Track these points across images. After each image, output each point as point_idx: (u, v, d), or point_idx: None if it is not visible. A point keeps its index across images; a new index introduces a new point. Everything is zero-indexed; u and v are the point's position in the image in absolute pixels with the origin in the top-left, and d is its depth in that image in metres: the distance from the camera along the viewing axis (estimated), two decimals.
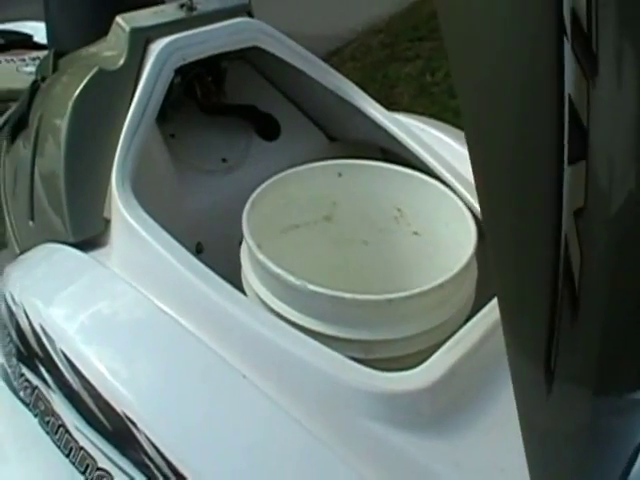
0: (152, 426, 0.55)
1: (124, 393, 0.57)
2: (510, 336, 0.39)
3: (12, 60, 1.51)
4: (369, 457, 0.53)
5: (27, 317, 0.67)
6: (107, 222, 0.74)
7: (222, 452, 0.54)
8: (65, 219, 0.76)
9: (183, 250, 0.65)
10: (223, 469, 0.53)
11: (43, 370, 0.63)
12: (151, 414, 0.56)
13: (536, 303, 0.36)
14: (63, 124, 0.79)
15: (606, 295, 0.35)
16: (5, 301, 0.74)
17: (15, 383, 0.68)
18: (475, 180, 0.36)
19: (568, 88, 0.31)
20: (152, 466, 0.54)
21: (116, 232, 0.71)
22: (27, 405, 0.65)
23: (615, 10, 0.29)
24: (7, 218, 1.02)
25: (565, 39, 0.30)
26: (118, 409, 0.57)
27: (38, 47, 1.65)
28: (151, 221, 0.67)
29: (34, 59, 1.53)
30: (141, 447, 0.55)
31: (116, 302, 0.65)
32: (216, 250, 0.81)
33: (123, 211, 0.69)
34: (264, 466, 0.52)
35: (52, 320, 0.65)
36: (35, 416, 0.64)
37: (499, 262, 0.37)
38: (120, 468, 0.56)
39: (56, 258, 0.74)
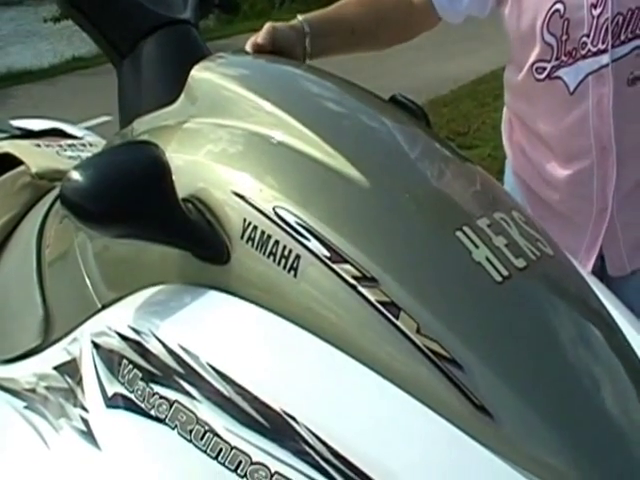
0: (312, 417, 0.64)
1: (282, 393, 0.66)
2: None
3: (50, 145, 1.61)
4: None
5: (159, 340, 0.76)
6: None
7: (384, 437, 0.63)
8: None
9: None
10: (385, 450, 0.62)
11: (185, 384, 0.71)
12: (311, 407, 0.65)
13: None
14: None
15: None
16: (118, 335, 0.82)
17: (143, 404, 0.75)
18: None
19: None
20: (313, 452, 0.63)
21: None
22: (161, 421, 0.73)
23: None
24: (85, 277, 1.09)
25: None
26: (276, 407, 0.65)
27: (67, 136, 1.77)
28: None
29: (70, 145, 1.64)
30: (301, 437, 0.63)
31: (241, 319, 0.75)
32: None
33: None
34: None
35: (191, 337, 0.74)
36: (172, 428, 0.71)
37: None
38: (277, 458, 0.64)
39: (161, 291, 0.84)
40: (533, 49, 1.17)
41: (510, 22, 1.20)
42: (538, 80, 1.18)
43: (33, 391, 1.05)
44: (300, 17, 1.16)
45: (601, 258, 1.24)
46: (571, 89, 1.16)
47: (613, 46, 1.12)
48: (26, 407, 1.05)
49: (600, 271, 1.23)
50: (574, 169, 1.21)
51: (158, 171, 0.81)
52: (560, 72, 1.16)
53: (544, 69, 1.17)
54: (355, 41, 1.23)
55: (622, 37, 1.11)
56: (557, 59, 1.15)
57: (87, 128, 2.84)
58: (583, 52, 1.13)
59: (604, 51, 1.12)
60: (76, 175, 0.79)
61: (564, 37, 1.13)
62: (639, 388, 0.80)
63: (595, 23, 1.11)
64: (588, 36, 1.12)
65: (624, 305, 0.97)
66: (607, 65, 1.12)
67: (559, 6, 1.12)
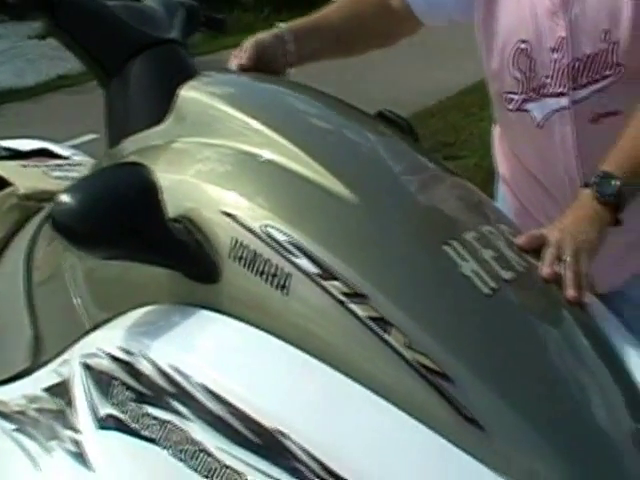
0: (305, 434, 0.64)
1: (274, 411, 0.66)
2: None
3: (37, 165, 1.61)
4: None
5: (150, 361, 0.76)
6: None
7: (373, 451, 0.63)
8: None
9: None
10: (377, 466, 0.62)
11: (177, 404, 0.71)
12: (303, 424, 0.65)
13: None
14: None
15: None
16: (109, 356, 0.83)
17: (135, 425, 0.75)
18: None
19: None
20: (305, 469, 0.63)
21: None
22: (153, 441, 0.73)
23: None
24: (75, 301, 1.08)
25: None
26: (268, 425, 0.66)
27: (54, 156, 1.77)
28: None
29: (57, 165, 1.64)
30: (293, 454, 0.64)
31: (231, 338, 0.76)
32: None
33: None
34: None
35: (183, 358, 0.74)
36: (164, 448, 0.71)
37: None
38: (271, 477, 0.64)
39: (151, 311, 0.84)
40: (503, 79, 1.18)
41: (481, 48, 1.21)
42: (509, 110, 1.19)
43: (23, 413, 1.05)
44: (282, 25, 1.17)
45: None
46: (538, 123, 1.17)
47: (572, 90, 1.13)
48: (16, 430, 1.05)
49: None
50: (552, 196, 1.22)
51: (147, 192, 0.82)
52: (528, 106, 1.16)
53: (513, 100, 1.18)
54: (336, 47, 1.24)
55: (580, 81, 1.12)
56: (524, 93, 1.16)
57: (74, 146, 2.84)
58: (546, 91, 1.14)
59: (564, 94, 1.13)
60: (66, 197, 0.79)
61: (530, 74, 1.14)
62: (629, 398, 0.80)
63: (555, 67, 1.12)
64: (549, 77, 1.13)
65: (611, 314, 0.98)
66: (567, 107, 1.14)
67: (525, 45, 1.13)
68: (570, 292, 0.85)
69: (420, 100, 4.94)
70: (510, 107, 1.19)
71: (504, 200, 1.35)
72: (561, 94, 1.14)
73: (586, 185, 0.98)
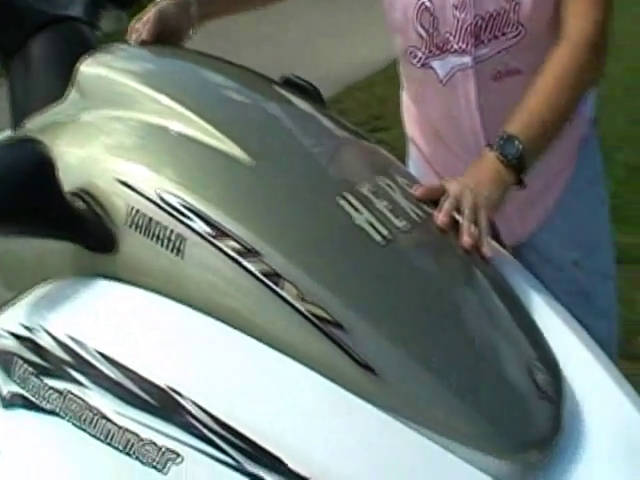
0: (197, 390, 0.65)
1: (167, 370, 0.67)
2: None
3: None
4: None
5: (48, 333, 0.75)
6: None
7: (261, 399, 0.64)
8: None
9: None
10: (272, 415, 0.63)
11: (75, 373, 0.71)
12: (195, 380, 0.66)
13: None
14: None
15: None
16: (12, 335, 0.82)
17: (37, 400, 0.75)
18: None
19: None
20: (198, 424, 0.64)
21: None
22: (54, 413, 0.72)
23: None
24: None
25: None
26: (162, 384, 0.66)
27: None
28: None
29: None
30: (187, 411, 0.65)
31: (125, 304, 0.77)
32: None
33: None
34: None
35: (79, 327, 0.74)
36: (65, 419, 0.71)
37: None
38: (164, 434, 0.65)
39: (53, 286, 0.84)
40: (407, 34, 1.19)
41: (384, 3, 1.22)
42: (414, 65, 1.21)
43: None
44: None
45: None
46: (441, 80, 1.19)
47: (475, 47, 1.15)
48: None
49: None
50: (458, 154, 1.24)
51: (42, 167, 0.81)
52: (432, 62, 1.18)
53: (417, 56, 1.19)
54: (239, 2, 1.26)
55: (482, 38, 1.14)
56: (427, 49, 1.18)
57: None
58: (449, 47, 1.16)
59: (467, 52, 1.15)
60: None
61: (434, 32, 1.16)
62: (530, 340, 0.83)
63: (458, 24, 1.14)
64: (452, 35, 1.15)
65: (512, 258, 1.01)
66: (469, 64, 1.16)
67: (428, 4, 1.15)
68: (465, 239, 0.88)
69: (349, 75, 4.94)
70: (414, 62, 1.20)
71: (414, 162, 1.38)
72: (464, 51, 1.16)
73: (489, 146, 1.00)
